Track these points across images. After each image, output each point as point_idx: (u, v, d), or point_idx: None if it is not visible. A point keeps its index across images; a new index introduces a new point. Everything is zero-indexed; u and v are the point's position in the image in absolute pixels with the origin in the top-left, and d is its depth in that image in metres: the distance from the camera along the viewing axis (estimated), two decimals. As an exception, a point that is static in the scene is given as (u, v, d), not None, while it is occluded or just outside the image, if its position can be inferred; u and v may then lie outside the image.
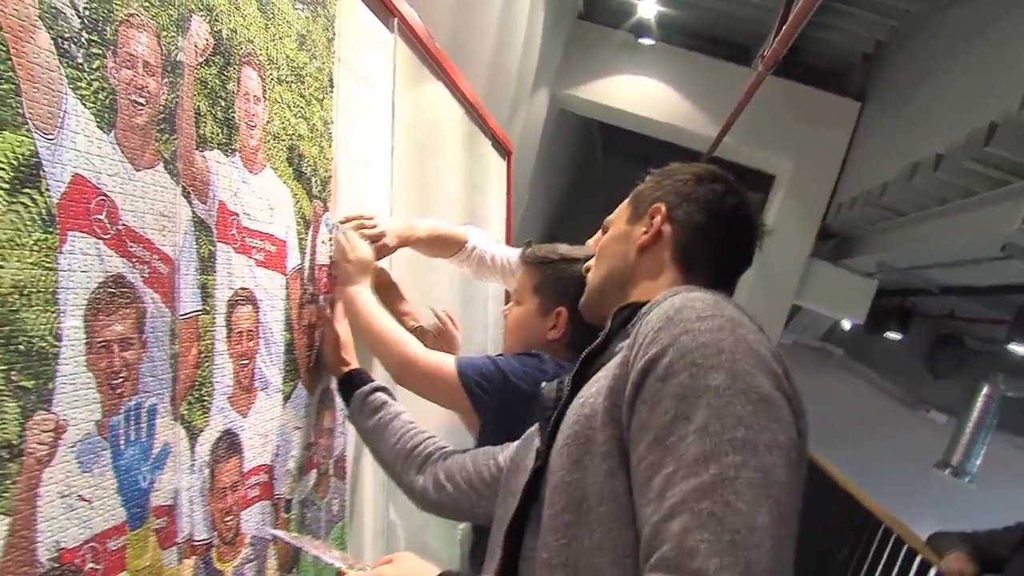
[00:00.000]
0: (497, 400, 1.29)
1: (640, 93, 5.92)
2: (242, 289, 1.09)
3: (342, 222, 1.47)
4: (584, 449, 0.76)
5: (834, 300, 6.09)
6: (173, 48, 0.90)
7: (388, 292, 1.62)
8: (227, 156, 1.04)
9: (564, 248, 1.45)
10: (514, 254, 1.82)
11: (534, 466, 0.87)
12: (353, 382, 1.32)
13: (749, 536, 0.59)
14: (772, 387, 0.68)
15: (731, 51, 5.94)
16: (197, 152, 0.97)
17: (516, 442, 1.05)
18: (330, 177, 1.40)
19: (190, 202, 0.95)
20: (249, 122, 1.10)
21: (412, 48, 1.97)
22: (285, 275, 1.24)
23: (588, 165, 9.33)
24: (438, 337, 1.67)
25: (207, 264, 1.00)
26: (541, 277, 1.44)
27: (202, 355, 0.99)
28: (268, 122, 1.15)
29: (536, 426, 0.99)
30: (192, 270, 0.96)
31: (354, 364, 1.36)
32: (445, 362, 1.32)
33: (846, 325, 7.37)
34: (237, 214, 1.07)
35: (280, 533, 0.95)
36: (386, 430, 1.25)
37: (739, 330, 0.71)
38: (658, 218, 0.96)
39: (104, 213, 0.80)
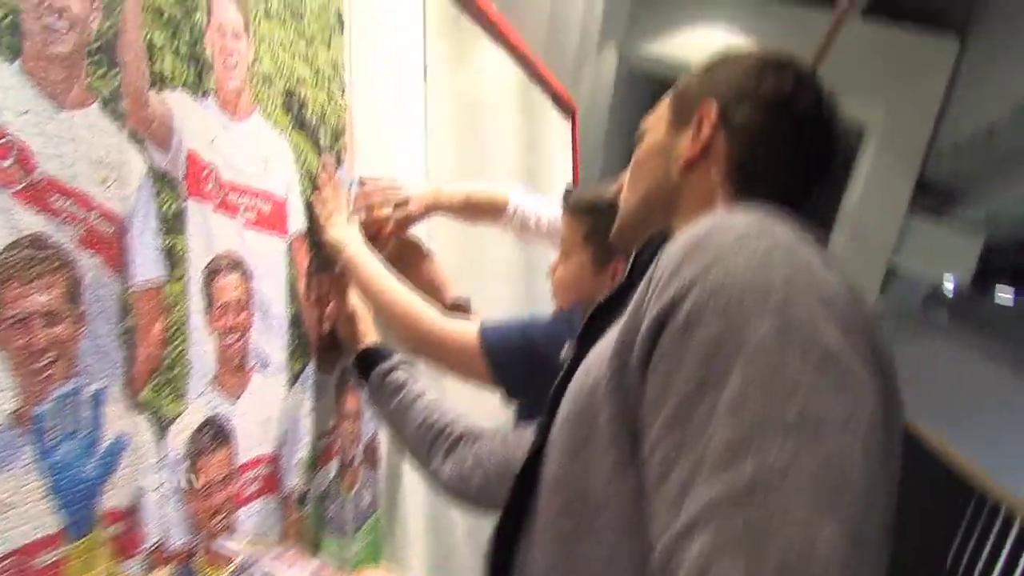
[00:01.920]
0: (524, 373, 1.12)
1: (715, 46, 5.57)
2: (225, 253, 0.95)
3: (360, 183, 1.32)
4: (585, 433, 0.58)
5: (936, 258, 5.65)
6: (106, -38, 0.75)
7: (419, 262, 1.46)
8: (197, 98, 0.89)
9: (613, 188, 1.26)
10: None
11: (528, 451, 0.69)
12: (370, 359, 1.16)
13: (804, 563, 0.40)
14: (845, 341, 0.47)
15: (814, -5, 5.53)
16: (152, 92, 0.82)
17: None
18: (344, 128, 1.25)
19: (144, 150, 0.81)
20: (227, 60, 0.95)
21: (449, -7, 1.79)
22: (286, 238, 1.09)
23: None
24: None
25: (173, 224, 0.85)
26: (591, 225, 1.25)
27: (171, 330, 0.85)
28: (255, 61, 1.00)
29: None
30: (150, 230, 0.82)
31: (372, 339, 1.20)
32: (465, 330, 1.16)
33: (950, 286, 6.87)
34: (215, 166, 0.92)
35: (230, 544, 0.80)
36: (408, 413, 1.09)
37: (797, 259, 0.50)
38: (707, 123, 0.75)
39: (11, 159, 0.65)
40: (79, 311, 0.72)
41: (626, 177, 0.86)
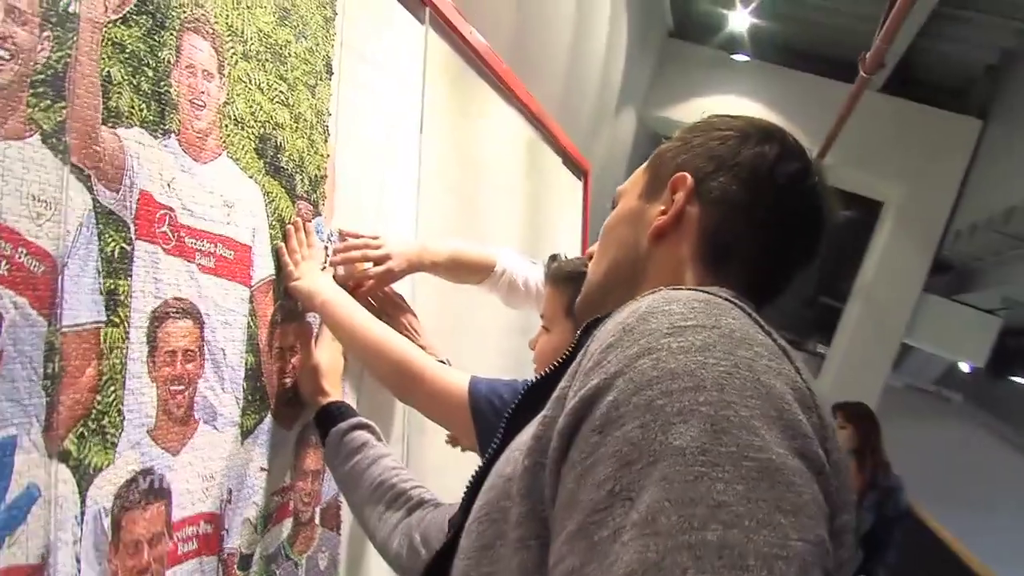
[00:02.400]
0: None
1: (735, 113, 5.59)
2: (176, 300, 0.91)
3: (340, 237, 1.29)
4: (497, 530, 0.52)
5: (951, 340, 5.53)
6: (61, -6, 0.73)
7: (398, 320, 1.42)
8: (156, 137, 0.86)
9: (586, 256, 1.22)
10: None
11: (440, 544, 0.63)
12: (331, 417, 1.11)
13: None
14: (788, 450, 0.41)
15: (832, 67, 5.55)
16: (104, 128, 0.79)
17: None
18: (324, 177, 1.22)
19: (89, 187, 0.77)
20: (195, 100, 0.92)
21: (453, 46, 1.79)
22: (249, 287, 1.05)
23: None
24: None
25: (117, 266, 0.81)
26: (572, 295, 1.20)
27: (104, 377, 0.81)
28: (226, 104, 0.98)
29: None
30: (90, 271, 0.78)
31: (334, 395, 1.15)
32: (456, 380, 1.09)
33: (965, 367, 6.73)
34: (170, 208, 0.89)
35: None
36: (362, 476, 1.04)
37: (739, 350, 0.44)
38: (681, 193, 0.70)
39: (-72, 189, 0.62)
40: (-6, 352, 0.68)
41: (596, 247, 0.81)
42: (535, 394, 0.62)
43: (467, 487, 0.64)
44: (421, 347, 1.38)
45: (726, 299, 0.50)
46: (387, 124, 1.44)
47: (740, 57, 5.50)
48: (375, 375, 1.13)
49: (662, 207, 0.72)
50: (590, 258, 0.83)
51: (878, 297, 5.65)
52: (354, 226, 1.32)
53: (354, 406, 1.20)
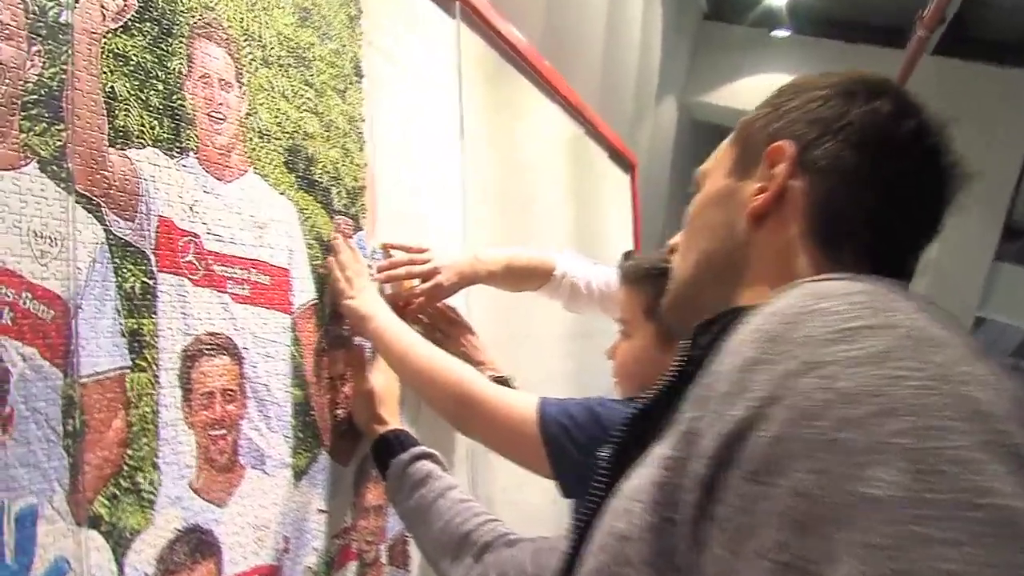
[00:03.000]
0: (585, 460, 0.93)
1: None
2: (209, 335, 0.82)
3: (385, 254, 1.19)
4: None
5: (1027, 308, 5.25)
6: (49, 3, 0.65)
7: (454, 337, 1.32)
8: (172, 157, 0.78)
9: (666, 251, 1.10)
10: (615, 277, 1.47)
11: None
12: (390, 447, 1.01)
13: None
14: (1020, 487, 0.29)
15: (877, 35, 5.32)
16: (112, 150, 0.71)
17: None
18: (362, 188, 1.12)
19: (100, 217, 0.69)
20: (213, 113, 0.84)
21: (488, 41, 1.69)
22: (290, 314, 0.96)
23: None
24: None
25: (139, 303, 0.73)
26: (652, 295, 1.07)
27: (134, 428, 0.72)
28: (248, 115, 0.89)
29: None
30: (108, 312, 0.70)
31: (392, 424, 1.06)
32: (521, 403, 0.97)
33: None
34: (195, 234, 0.80)
35: None
36: (429, 511, 0.94)
37: (931, 355, 0.33)
38: (782, 166, 0.58)
39: (-92, 233, 0.54)
40: (3, 413, 0.59)
41: (680, 237, 0.70)
42: (641, 423, 0.51)
43: (568, 547, 0.53)
44: (479, 364, 1.28)
45: (888, 288, 0.38)
46: (425, 127, 1.35)
47: (780, 33, 5.31)
48: (433, 408, 1.03)
49: (758, 184, 0.60)
50: (671, 252, 0.72)
51: (947, 270, 5.39)
52: (398, 239, 1.22)
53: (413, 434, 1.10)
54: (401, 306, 1.17)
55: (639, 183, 3.09)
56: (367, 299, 1.04)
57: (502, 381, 1.26)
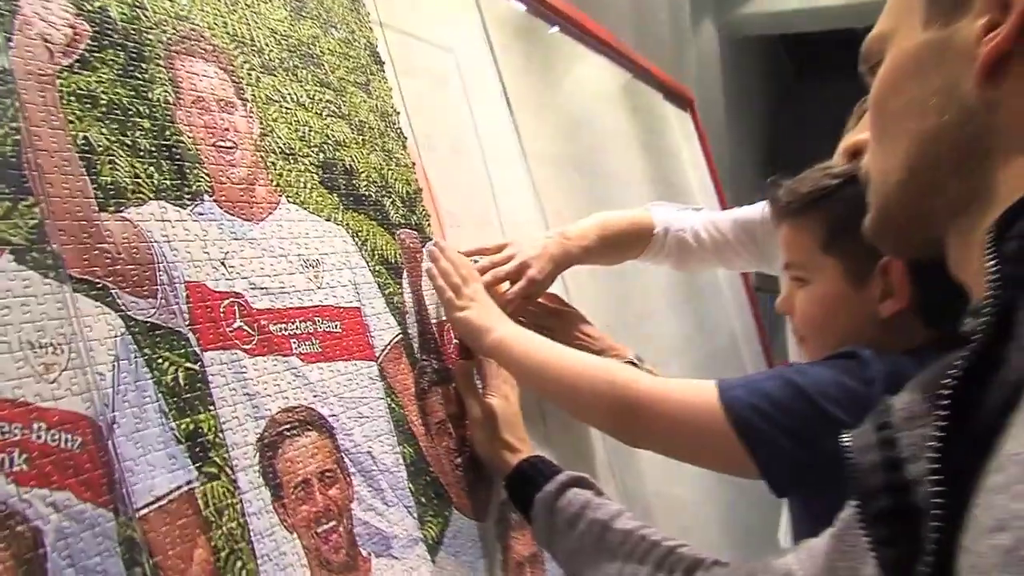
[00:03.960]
0: (799, 448, 0.75)
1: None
2: (285, 412, 0.68)
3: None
4: None
5: None
6: (-27, 46, 0.52)
7: (568, 331, 1.16)
8: (184, 206, 0.64)
9: (841, 159, 0.90)
10: (726, 219, 1.29)
11: None
12: (529, 481, 0.86)
13: None
14: None
15: None
16: (106, 215, 0.57)
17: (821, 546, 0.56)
18: (418, 191, 0.98)
19: (111, 302, 0.56)
20: (220, 143, 0.70)
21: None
22: (375, 360, 0.82)
23: (783, 92, 8.49)
24: None
25: (188, 396, 0.59)
26: (828, 224, 0.87)
27: (223, 553, 0.58)
28: (263, 135, 0.75)
29: (861, 532, 0.47)
30: (151, 418, 0.56)
31: (524, 450, 0.91)
32: (696, 392, 0.81)
33: None
34: (236, 294, 0.67)
35: None
36: (596, 552, 0.78)
37: None
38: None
39: None
40: (40, 587, 0.46)
41: (864, 133, 0.53)
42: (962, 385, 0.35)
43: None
44: (605, 353, 1.13)
45: None
46: (465, 104, 1.21)
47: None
48: (589, 421, 0.91)
49: (983, 19, 0.42)
50: (853, 155, 0.54)
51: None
52: (471, 240, 1.08)
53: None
54: None
55: (700, 120, 2.95)
56: (481, 307, 0.94)
57: (636, 363, 1.11)
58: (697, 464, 0.87)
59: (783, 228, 0.91)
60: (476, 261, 1.03)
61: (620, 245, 1.23)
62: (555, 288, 1.19)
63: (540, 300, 1.14)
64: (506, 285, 1.05)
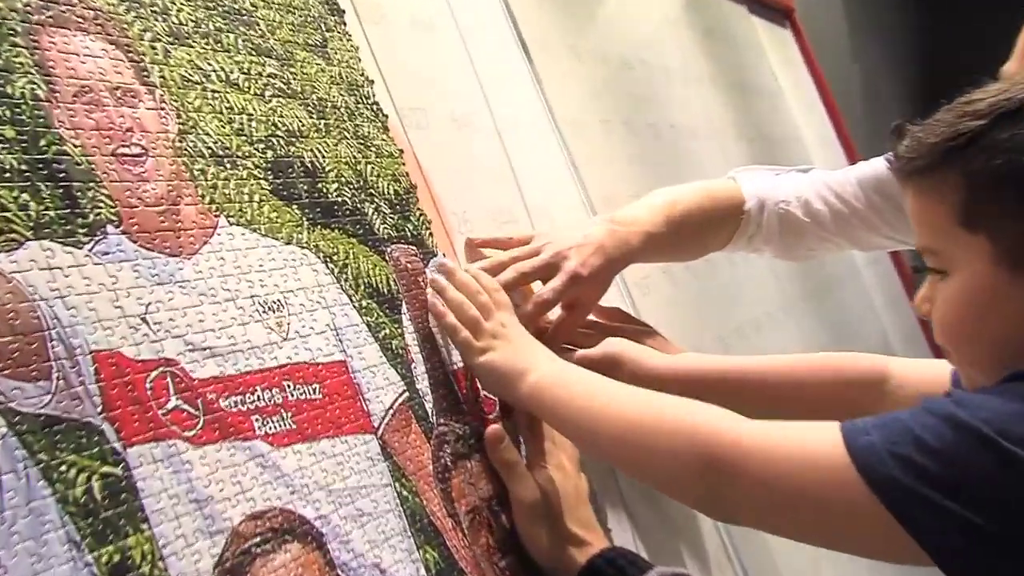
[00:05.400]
0: (978, 513, 0.72)
1: None
2: (253, 520, 0.68)
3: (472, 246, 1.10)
4: None
5: None
6: None
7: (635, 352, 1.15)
8: (79, 245, 0.65)
9: (983, 94, 0.88)
10: (849, 180, 1.26)
11: None
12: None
13: None
14: None
15: None
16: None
17: None
18: (412, 188, 1.02)
19: (-15, 395, 0.55)
20: (123, 149, 0.71)
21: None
22: (374, 431, 0.83)
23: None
24: None
25: (108, 515, 0.59)
26: (969, 186, 0.84)
27: None
28: (183, 132, 0.78)
29: None
30: (56, 552, 0.55)
31: (594, 542, 0.94)
32: (816, 443, 0.78)
33: None
34: (167, 361, 0.67)
35: None
36: None
37: None
38: None
39: None
40: None
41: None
42: None
43: None
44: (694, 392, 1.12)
45: None
46: (466, 57, 1.25)
47: None
48: (668, 492, 0.91)
49: None
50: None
51: None
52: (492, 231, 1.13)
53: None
54: (535, 334, 1.02)
55: (807, 36, 2.96)
56: (510, 344, 0.94)
57: None
58: (830, 547, 0.84)
59: (908, 196, 0.88)
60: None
61: (698, 231, 1.22)
62: (613, 298, 1.18)
63: (593, 317, 1.13)
64: (537, 285, 1.05)
